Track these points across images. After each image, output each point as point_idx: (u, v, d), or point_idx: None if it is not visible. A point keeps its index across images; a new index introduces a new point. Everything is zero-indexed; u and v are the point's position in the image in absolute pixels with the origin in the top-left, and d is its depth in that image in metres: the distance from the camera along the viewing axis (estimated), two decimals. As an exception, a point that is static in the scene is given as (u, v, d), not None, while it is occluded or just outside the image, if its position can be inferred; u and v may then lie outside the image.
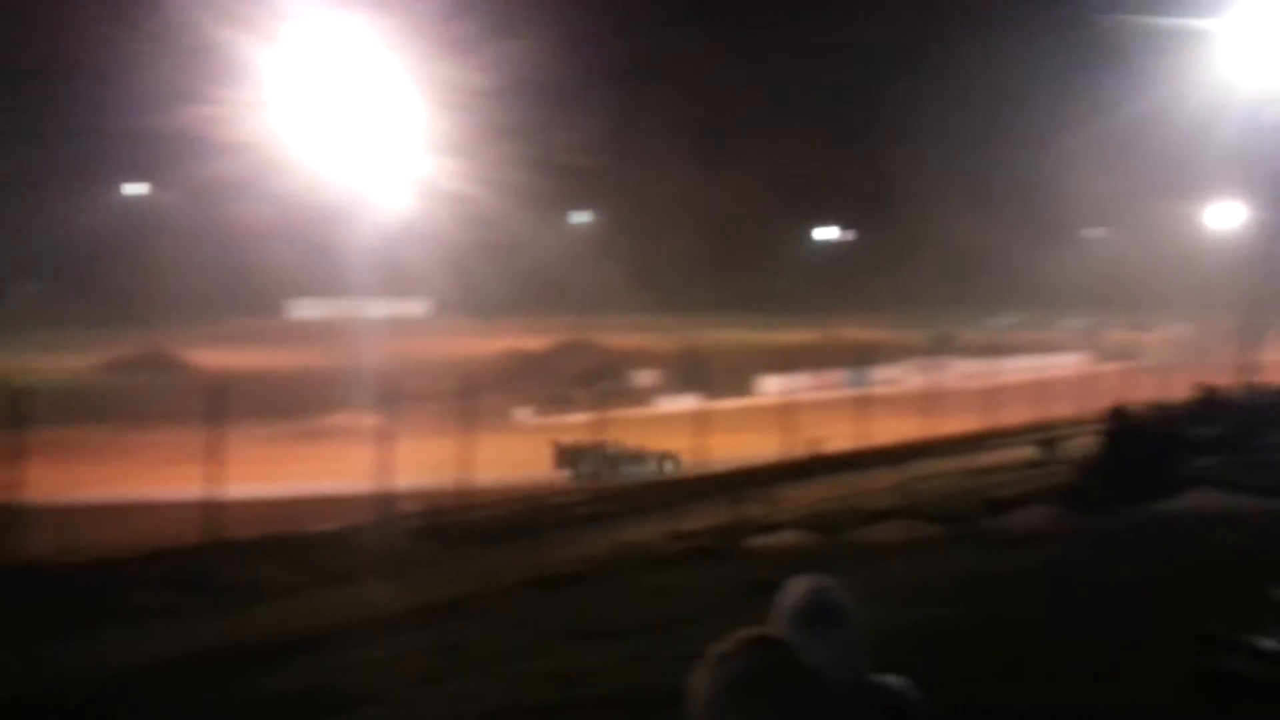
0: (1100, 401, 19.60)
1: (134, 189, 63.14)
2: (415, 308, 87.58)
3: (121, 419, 31.69)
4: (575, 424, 26.70)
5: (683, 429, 23.47)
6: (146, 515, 17.77)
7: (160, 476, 21.06)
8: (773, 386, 33.80)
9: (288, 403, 32.03)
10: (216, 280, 78.66)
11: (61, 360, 48.90)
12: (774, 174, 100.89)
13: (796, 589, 2.30)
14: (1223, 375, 23.22)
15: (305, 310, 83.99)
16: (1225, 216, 51.38)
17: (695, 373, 27.08)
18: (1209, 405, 15.23)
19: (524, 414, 34.18)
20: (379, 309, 65.46)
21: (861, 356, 30.76)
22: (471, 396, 18.12)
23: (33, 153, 73.08)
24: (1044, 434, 20.86)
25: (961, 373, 40.78)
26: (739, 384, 35.86)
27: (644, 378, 41.58)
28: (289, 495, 18.01)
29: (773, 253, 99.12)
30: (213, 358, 54.07)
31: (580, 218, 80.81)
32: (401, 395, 21.57)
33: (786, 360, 27.38)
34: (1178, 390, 23.18)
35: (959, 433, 25.32)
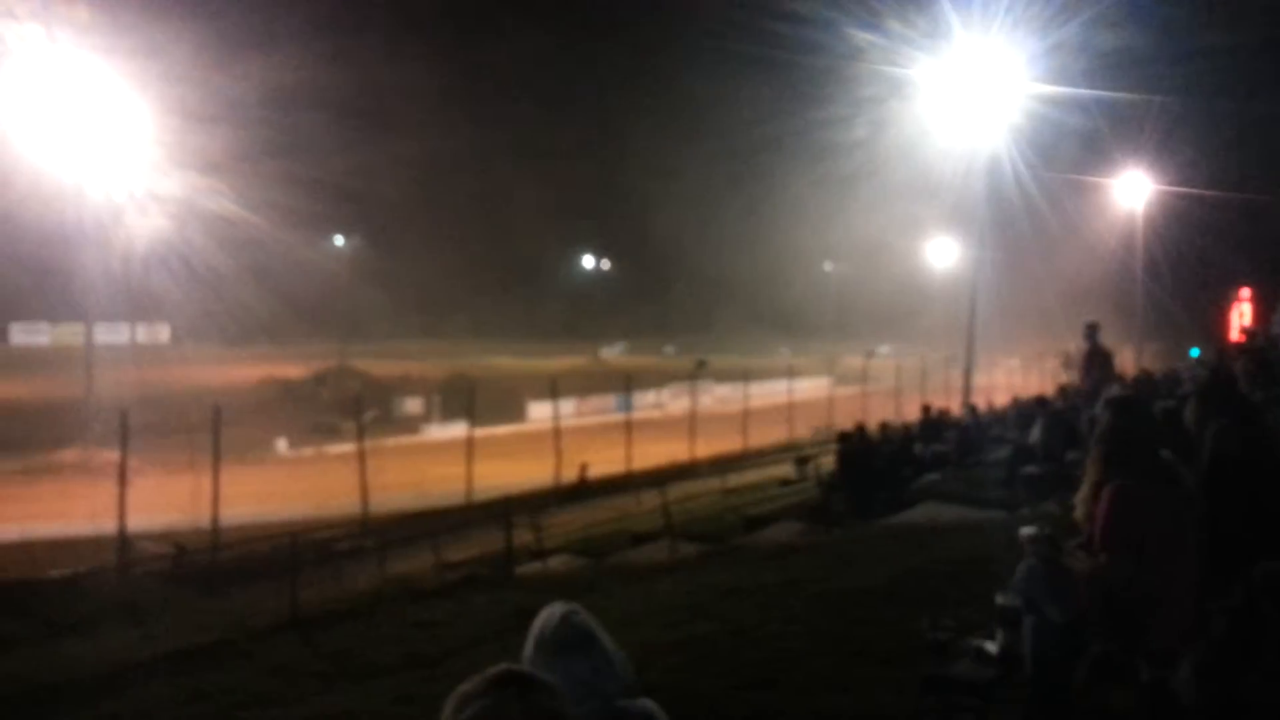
0: (841, 422, 21.28)
1: None
2: (160, 334, 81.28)
3: None
4: (339, 454, 25.73)
5: (452, 457, 23.23)
6: None
7: None
8: (540, 413, 34.08)
9: (12, 437, 28.80)
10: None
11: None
12: (538, 204, 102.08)
13: (547, 616, 2.34)
14: (945, 398, 25.79)
15: (27, 335, 75.99)
16: (942, 253, 57.32)
17: (463, 400, 26.85)
18: (934, 425, 16.79)
19: (283, 445, 32.51)
20: (117, 334, 60.19)
21: (625, 382, 31.63)
22: (222, 428, 17.06)
23: None
24: (794, 453, 22.26)
25: (717, 397, 42.87)
26: (507, 411, 35.91)
27: (411, 405, 40.69)
28: (14, 539, 16.24)
29: (536, 281, 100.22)
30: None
31: (342, 241, 78.11)
32: (144, 428, 20.06)
33: (553, 386, 27.70)
34: (907, 412, 25.55)
35: (718, 454, 26.58)
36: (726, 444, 28.15)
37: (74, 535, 17.05)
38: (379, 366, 59.01)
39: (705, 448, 26.91)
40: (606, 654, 2.29)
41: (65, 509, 19.94)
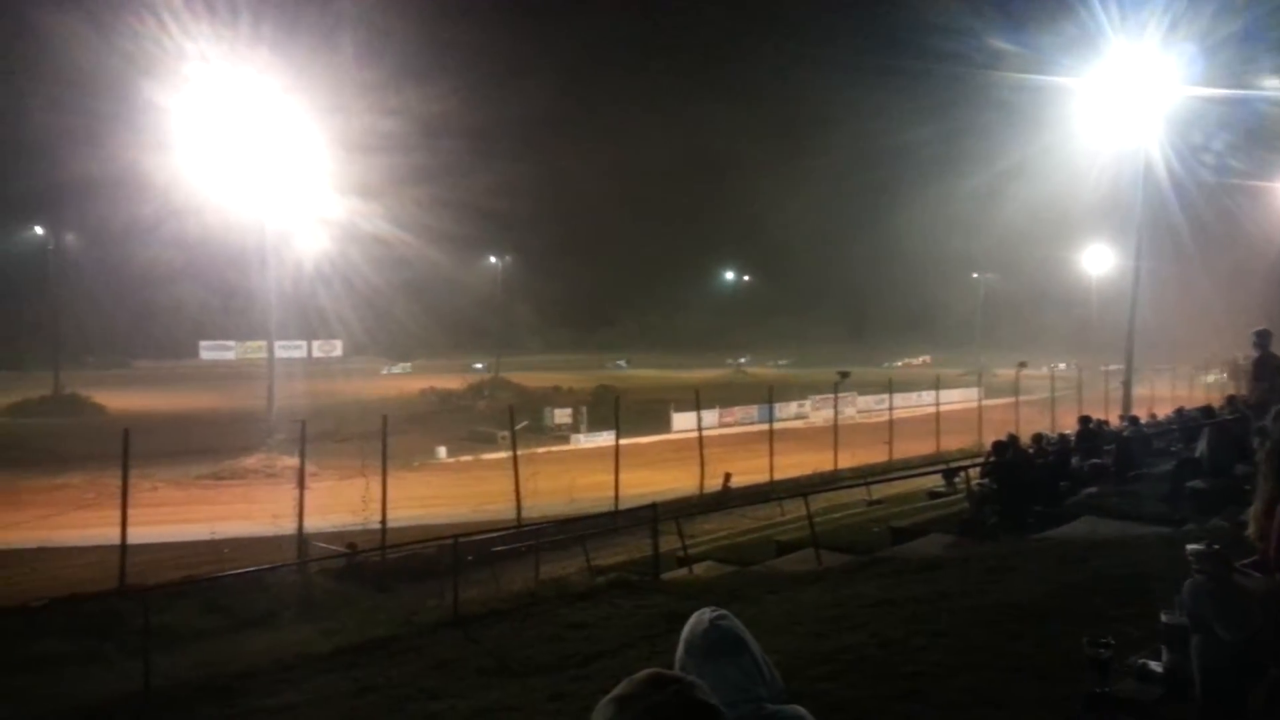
0: (991, 434, 20.60)
1: (40, 232, 61.24)
2: (333, 349, 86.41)
3: (28, 463, 30.59)
4: (494, 461, 26.76)
5: (599, 465, 23.81)
6: (56, 560, 17.32)
7: (70, 521, 20.51)
8: (684, 423, 34.42)
9: (200, 445, 31.34)
10: (125, 322, 76.49)
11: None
12: (681, 220, 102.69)
13: (696, 621, 2.36)
14: (1103, 409, 24.59)
15: (216, 352, 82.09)
16: (1099, 261, 54.36)
17: (609, 410, 27.44)
18: (1093, 437, 16.07)
19: (443, 452, 34.05)
20: (295, 350, 64.36)
21: (768, 393, 31.57)
22: (390, 437, 18.11)
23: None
24: (941, 465, 21.70)
25: (860, 407, 42.12)
26: (652, 421, 36.43)
27: (560, 415, 41.85)
28: (205, 538, 17.68)
29: (681, 295, 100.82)
30: (122, 400, 52.50)
31: (495, 259, 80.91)
32: (319, 436, 21.48)
33: (696, 397, 27.95)
34: (1062, 424, 24.49)
35: (862, 465, 26.19)
36: (870, 455, 27.71)
37: (257, 535, 18.44)
38: (530, 379, 60.77)
39: (848, 458, 26.57)
40: (756, 659, 2.31)
41: (249, 511, 21.59)
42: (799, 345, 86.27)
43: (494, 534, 16.26)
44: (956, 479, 17.52)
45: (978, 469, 15.12)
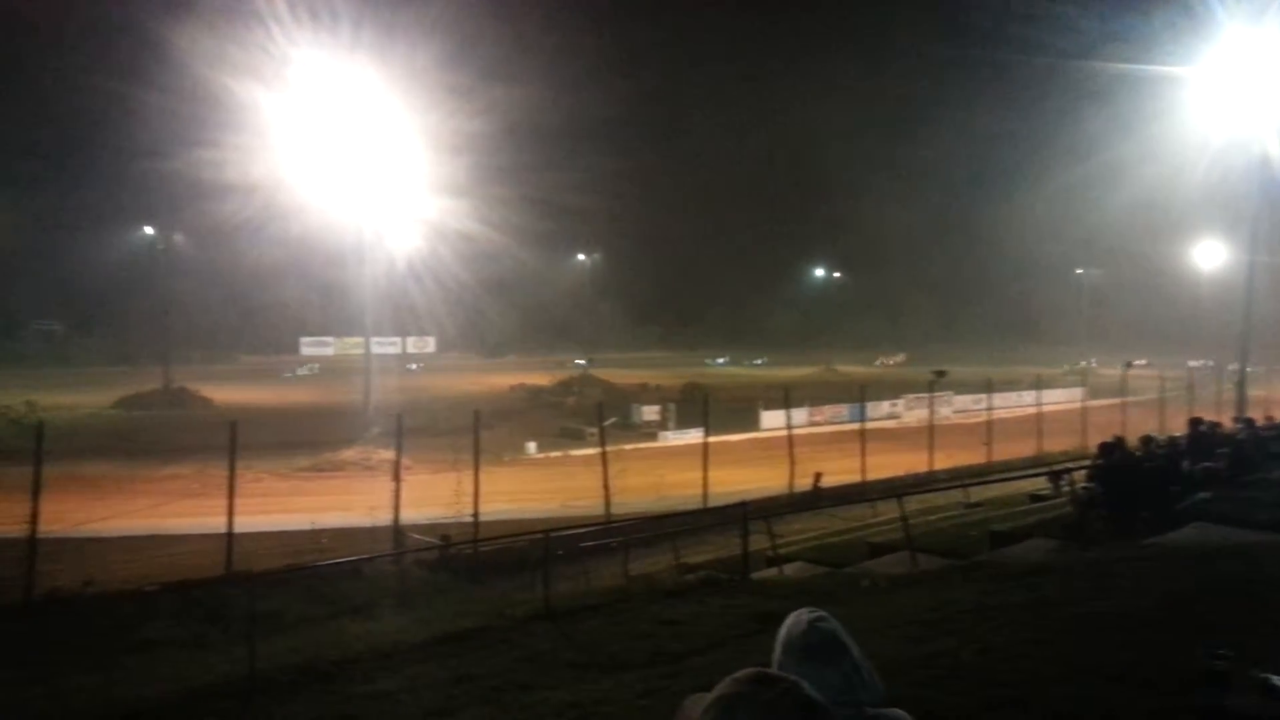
0: (1096, 436, 19.87)
1: (150, 232, 64.27)
2: (426, 345, 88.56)
3: (139, 453, 32.07)
4: (583, 457, 26.95)
5: (687, 462, 23.76)
6: (166, 547, 18.09)
7: (179, 510, 21.39)
8: (773, 421, 34.11)
9: (300, 438, 32.38)
10: (230, 319, 79.83)
11: (81, 396, 49.48)
12: (770, 216, 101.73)
13: (795, 622, 2.33)
14: (1216, 411, 23.49)
15: (315, 348, 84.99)
16: (1210, 256, 51.79)
17: (697, 408, 27.36)
18: (1205, 440, 15.35)
19: (533, 448, 34.44)
20: (388, 347, 66.03)
21: (859, 392, 31.04)
22: (481, 432, 18.38)
23: (52, 198, 74.34)
24: (1042, 467, 21.05)
25: (957, 407, 41.10)
26: (740, 419, 36.18)
27: (648, 413, 41.90)
28: (306, 528, 18.26)
29: (769, 292, 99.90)
30: (227, 394, 54.77)
31: (583, 257, 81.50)
32: (414, 430, 21.93)
33: (786, 395, 27.65)
34: (1171, 426, 23.46)
35: (958, 466, 25.56)
36: (967, 456, 27.02)
37: (355, 526, 18.94)
38: (619, 375, 61.10)
39: (944, 459, 25.95)
40: (855, 662, 2.27)
41: (347, 502, 22.20)
42: (894, 344, 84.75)
43: (584, 529, 16.36)
44: (1063, 482, 16.96)
45: (1084, 472, 14.59)
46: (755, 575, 13.38)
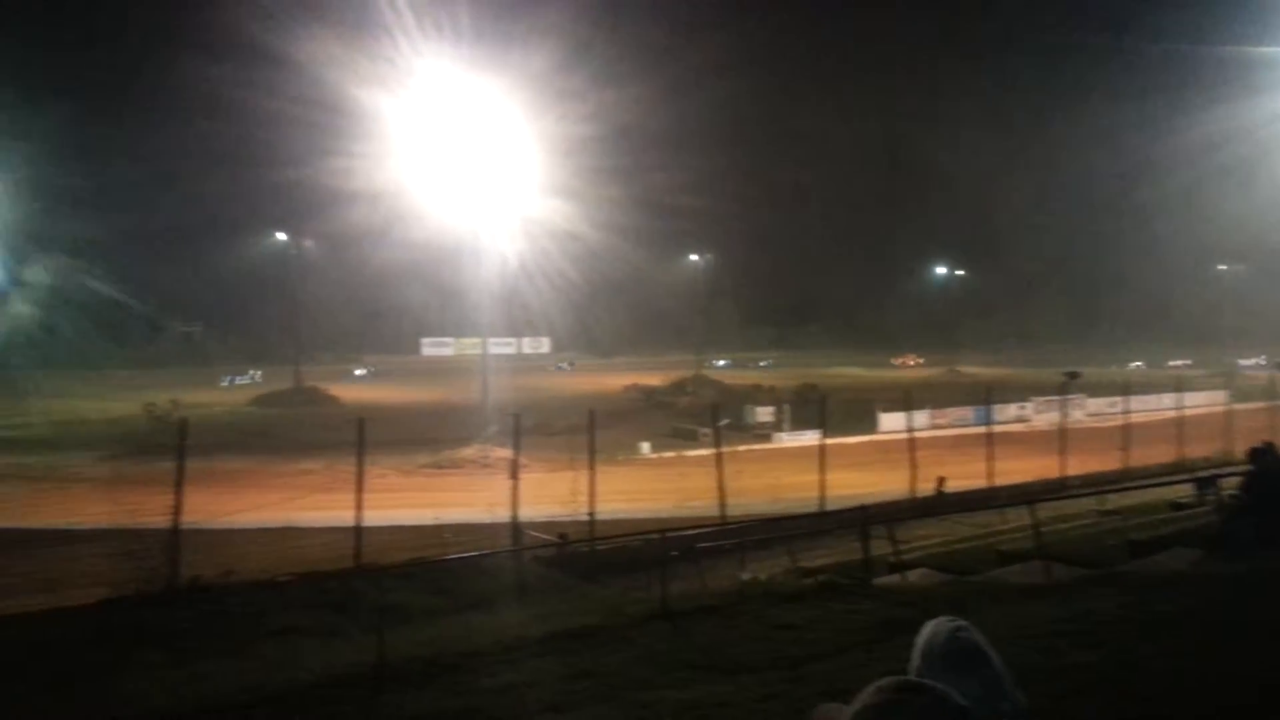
0: (1242, 442, 18.68)
1: (282, 238, 67.48)
2: (541, 346, 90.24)
3: (273, 449, 33.69)
4: (696, 458, 26.89)
5: (803, 464, 23.40)
6: (298, 539, 18.87)
7: (310, 504, 22.32)
8: (892, 423, 33.32)
9: (422, 436, 33.39)
10: (355, 321, 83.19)
11: (218, 395, 52.33)
12: (888, 212, 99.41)
13: (935, 631, 2.27)
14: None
15: (435, 348, 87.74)
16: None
17: (813, 409, 26.93)
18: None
19: (646, 448, 34.57)
20: (504, 347, 67.39)
21: (985, 394, 29.96)
22: (596, 431, 18.50)
23: (189, 205, 78.91)
24: (1183, 474, 19.93)
25: (1090, 410, 39.30)
26: (858, 421, 35.48)
27: (762, 414, 41.52)
28: (429, 523, 18.75)
29: (887, 290, 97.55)
30: (353, 393, 57.05)
31: (695, 257, 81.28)
32: (530, 429, 22.25)
33: (907, 397, 26.94)
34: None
35: (1092, 472, 24.41)
36: (1102, 462, 25.78)
37: (474, 521, 19.36)
38: (732, 376, 60.91)
39: (1077, 465, 24.82)
40: (998, 672, 2.21)
41: (467, 499, 22.73)
42: (1019, 344, 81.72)
43: (699, 530, 16.28)
44: (1209, 490, 16.02)
45: (1235, 479, 13.73)
46: (877, 581, 13.05)
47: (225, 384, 66.81)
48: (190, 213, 79.93)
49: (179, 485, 13.91)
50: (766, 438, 37.66)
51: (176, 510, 13.75)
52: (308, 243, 68.58)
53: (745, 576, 13.72)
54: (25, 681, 9.65)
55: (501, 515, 17.84)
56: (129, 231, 66.88)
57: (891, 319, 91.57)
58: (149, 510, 14.23)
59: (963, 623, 2.30)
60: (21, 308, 54.72)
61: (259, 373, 68.64)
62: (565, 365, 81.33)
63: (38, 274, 55.01)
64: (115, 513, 16.35)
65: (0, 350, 51.40)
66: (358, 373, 73.02)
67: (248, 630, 11.61)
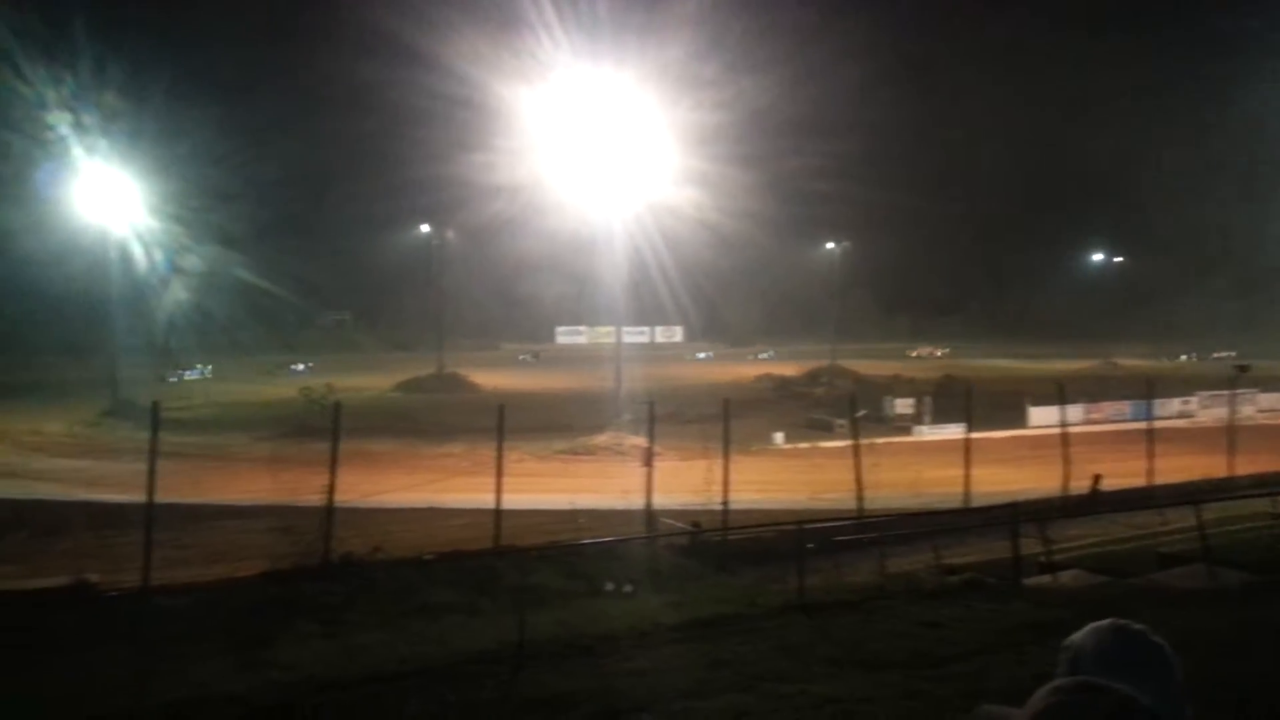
0: None
1: (426, 230, 70.07)
2: (674, 334, 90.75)
3: (417, 433, 35.00)
4: (831, 450, 26.41)
5: (945, 459, 22.65)
6: (440, 520, 19.52)
7: (451, 486, 23.06)
8: (1043, 418, 31.86)
9: (557, 422, 34.03)
10: (494, 309, 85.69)
11: (365, 380, 54.72)
12: (1034, 198, 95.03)
13: (1103, 634, 2.08)
14: None
15: (569, 337, 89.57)
16: None
17: (956, 401, 25.99)
18: None
19: (780, 438, 34.20)
20: (637, 336, 67.99)
21: (1146, 387, 28.26)
22: (730, 420, 18.37)
23: (342, 200, 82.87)
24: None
25: (1262, 406, 36.59)
26: (1005, 415, 34.10)
27: (901, 405, 40.40)
28: (564, 507, 19.10)
29: (1034, 279, 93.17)
30: (491, 379, 58.76)
31: (832, 245, 79.65)
32: (663, 417, 22.33)
33: (1060, 390, 25.66)
34: None
35: (1265, 472, 22.70)
36: (1275, 461, 23.95)
37: (608, 508, 19.56)
38: (869, 366, 59.57)
39: (1246, 464, 23.14)
40: (1177, 679, 2.01)
41: (601, 485, 23.00)
42: (1181, 336, 76.84)
43: (836, 523, 15.97)
44: None
45: None
46: (1027, 581, 12.52)
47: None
48: (341, 206, 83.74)
49: (333, 465, 14.53)
50: (906, 430, 36.68)
51: (330, 489, 14.37)
52: (450, 234, 70.86)
53: (885, 572, 13.38)
54: (203, 644, 10.31)
55: (635, 502, 17.97)
56: (281, 224, 70.63)
57: (1041, 309, 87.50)
58: (305, 488, 14.94)
59: (1140, 625, 2.08)
60: (181, 295, 58.59)
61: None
62: (703, 355, 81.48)
63: (195, 264, 58.72)
64: (274, 490, 17.30)
65: (162, 335, 55.19)
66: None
67: (395, 605, 12.04)
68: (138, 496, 13.86)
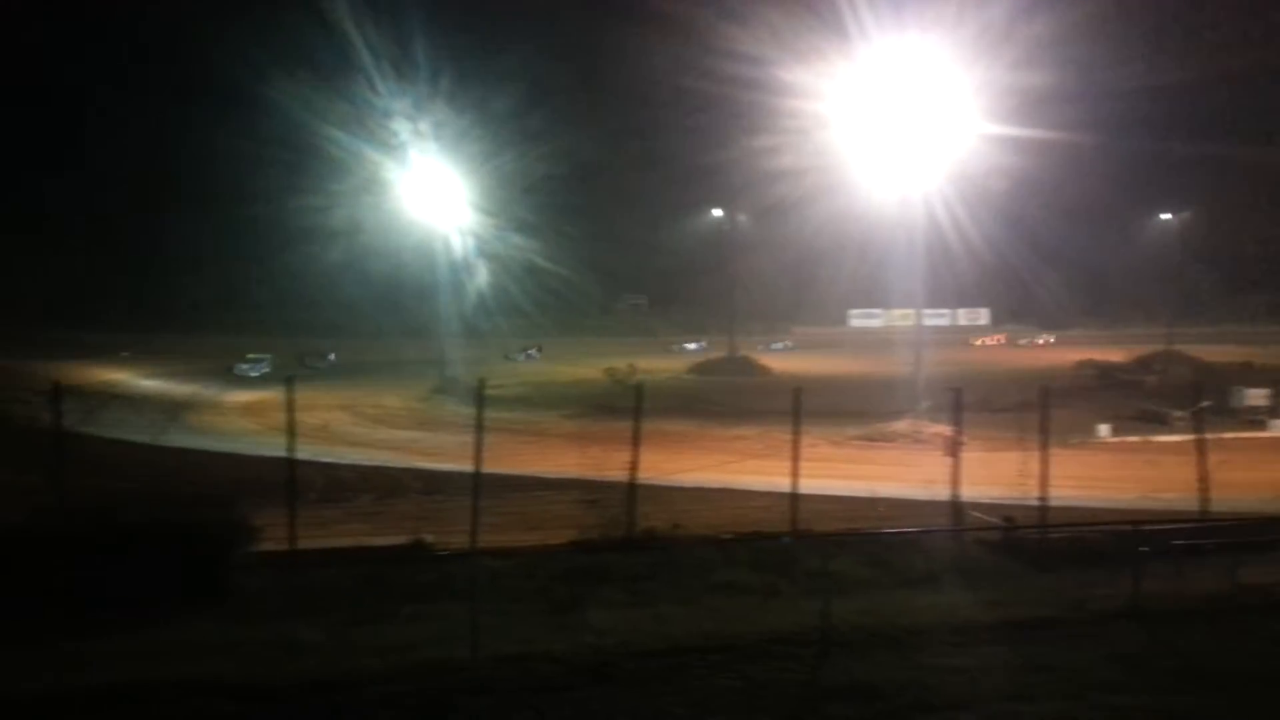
0: None
1: (718, 214, 71.18)
2: (979, 317, 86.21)
3: (710, 415, 35.72)
4: (1167, 444, 23.81)
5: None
6: (734, 501, 19.73)
7: (746, 468, 23.26)
8: None
9: (851, 407, 33.30)
10: (785, 292, 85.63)
11: (662, 362, 56.81)
12: None
13: None
14: None
15: (863, 319, 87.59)
16: None
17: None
18: None
19: (1105, 430, 31.31)
20: (938, 319, 65.16)
21: None
22: (1046, 410, 16.96)
23: (633, 186, 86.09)
24: None
25: None
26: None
27: (1253, 397, 35.41)
28: (863, 494, 18.62)
29: None
30: (781, 363, 58.92)
31: (1168, 216, 71.10)
32: (969, 405, 21.06)
33: None
34: None
35: None
36: None
37: (909, 497, 18.82)
38: (1213, 352, 53.25)
39: None
40: None
41: (901, 473, 22.21)
42: None
43: (1177, 525, 14.30)
44: None
45: None
46: None
47: (676, 350, 71.80)
48: (640, 195, 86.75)
49: (635, 443, 15.05)
50: (1261, 425, 32.31)
51: (633, 465, 14.89)
52: (741, 218, 71.42)
53: (1239, 582, 11.79)
54: (524, 603, 11.08)
55: (938, 493, 17.07)
56: (574, 212, 73.89)
57: None
58: (608, 464, 15.61)
59: None
60: (496, 282, 63.52)
61: (704, 342, 73.33)
62: (1042, 340, 77.03)
63: (504, 252, 63.26)
64: (581, 464, 18.26)
65: (470, 316, 60.14)
66: (775, 346, 74.74)
67: (696, 580, 12.28)
68: (461, 465, 15.11)
